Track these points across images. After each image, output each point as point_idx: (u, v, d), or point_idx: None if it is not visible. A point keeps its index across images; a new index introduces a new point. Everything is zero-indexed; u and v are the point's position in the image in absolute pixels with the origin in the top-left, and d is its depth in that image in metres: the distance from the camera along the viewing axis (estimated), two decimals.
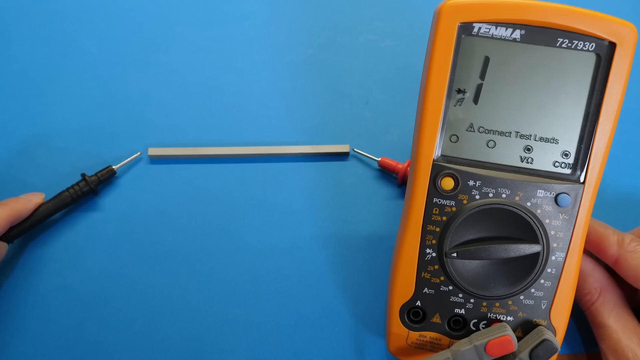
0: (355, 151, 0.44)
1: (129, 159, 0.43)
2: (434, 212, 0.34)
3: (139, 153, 0.44)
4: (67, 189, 0.42)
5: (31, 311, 0.40)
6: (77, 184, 0.42)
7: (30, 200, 0.40)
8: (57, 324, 0.40)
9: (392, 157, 0.44)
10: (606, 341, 0.35)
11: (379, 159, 0.43)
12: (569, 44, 0.32)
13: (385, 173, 0.44)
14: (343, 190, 0.44)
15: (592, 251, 0.37)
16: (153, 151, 0.44)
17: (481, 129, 0.34)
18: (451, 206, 0.34)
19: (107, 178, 0.43)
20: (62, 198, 0.42)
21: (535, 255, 0.33)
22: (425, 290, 0.35)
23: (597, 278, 0.37)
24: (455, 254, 0.33)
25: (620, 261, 0.35)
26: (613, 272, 0.37)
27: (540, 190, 0.33)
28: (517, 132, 0.34)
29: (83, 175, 0.42)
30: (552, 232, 0.34)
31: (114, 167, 0.43)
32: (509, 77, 0.33)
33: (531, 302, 0.34)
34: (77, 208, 0.43)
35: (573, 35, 0.32)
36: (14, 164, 0.44)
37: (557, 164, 0.34)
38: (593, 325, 0.37)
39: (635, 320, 0.36)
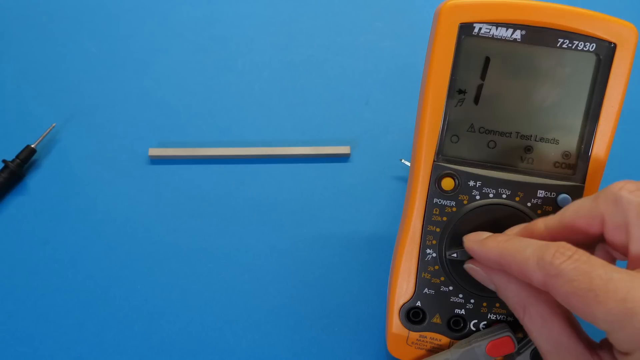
0: (402, 162, 0.44)
1: (44, 134, 0.43)
2: (434, 212, 0.34)
3: (53, 125, 0.44)
4: None
5: (31, 311, 0.40)
6: (1, 170, 0.42)
7: None
8: (57, 324, 0.40)
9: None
10: None
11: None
12: (569, 45, 0.32)
13: None
14: (343, 190, 0.44)
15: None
16: (153, 151, 0.44)
17: (482, 130, 0.34)
18: (451, 206, 0.34)
19: (28, 158, 0.43)
20: None
21: None
22: (426, 290, 0.35)
23: (515, 292, 0.29)
24: (455, 254, 0.33)
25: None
26: None
27: (541, 191, 0.33)
28: (518, 133, 0.34)
29: (4, 161, 0.42)
30: None
31: (32, 145, 0.43)
32: (510, 77, 0.33)
33: None
34: (78, 208, 0.43)
35: (573, 35, 0.32)
36: None
37: (557, 164, 0.34)
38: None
39: (569, 331, 0.28)
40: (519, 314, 0.29)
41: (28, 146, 0.43)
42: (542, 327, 0.28)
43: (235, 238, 0.42)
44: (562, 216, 0.29)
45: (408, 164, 0.42)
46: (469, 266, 0.32)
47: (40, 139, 0.43)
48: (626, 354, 0.25)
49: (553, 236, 0.29)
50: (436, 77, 0.33)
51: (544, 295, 0.28)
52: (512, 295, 0.29)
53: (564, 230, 0.28)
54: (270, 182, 0.44)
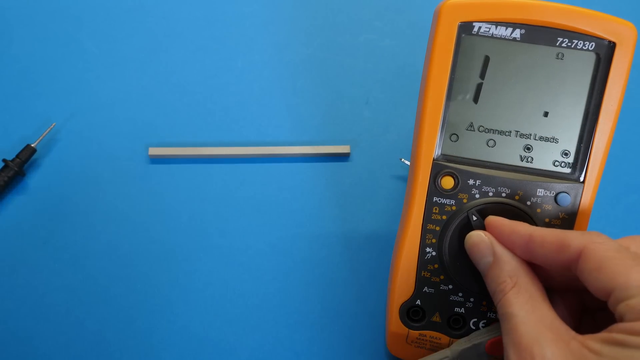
0: (402, 161, 0.44)
1: (44, 133, 0.43)
2: (434, 211, 0.34)
3: (53, 124, 0.44)
4: None
5: (31, 311, 0.40)
6: (2, 170, 0.42)
7: None
8: (57, 324, 0.40)
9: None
10: (511, 334, 0.28)
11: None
12: (569, 44, 0.32)
13: None
14: (343, 189, 0.44)
15: (549, 255, 0.29)
16: (153, 151, 0.44)
17: (481, 128, 0.34)
18: (451, 205, 0.34)
19: (29, 157, 0.43)
20: None
21: None
22: (425, 289, 0.35)
23: (514, 266, 0.30)
24: (475, 217, 0.33)
25: (586, 252, 0.28)
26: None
27: (540, 190, 0.33)
28: (517, 132, 0.34)
29: (5, 160, 0.42)
30: None
31: (32, 144, 0.43)
32: (509, 76, 0.33)
33: None
34: (78, 207, 0.43)
35: (573, 34, 0.32)
36: None
37: (557, 163, 0.34)
38: (501, 318, 0.30)
39: (553, 317, 0.28)
40: (506, 285, 0.30)
41: (28, 145, 0.43)
42: (528, 301, 0.29)
43: (235, 238, 0.42)
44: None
45: (408, 163, 0.42)
46: (477, 233, 0.32)
47: (41, 138, 0.43)
48: (635, 320, 0.25)
49: None
50: (436, 76, 0.33)
51: (538, 281, 0.30)
52: (511, 269, 0.30)
53: None
54: (270, 182, 0.44)
